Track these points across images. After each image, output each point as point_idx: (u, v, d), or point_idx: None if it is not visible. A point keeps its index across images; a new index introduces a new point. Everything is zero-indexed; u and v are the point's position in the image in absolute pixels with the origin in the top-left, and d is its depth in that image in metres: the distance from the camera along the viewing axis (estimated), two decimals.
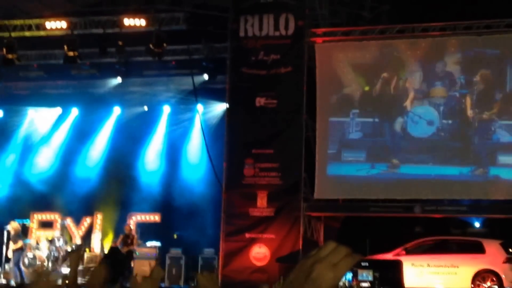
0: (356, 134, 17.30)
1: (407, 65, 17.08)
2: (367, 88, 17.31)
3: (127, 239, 17.91)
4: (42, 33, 19.38)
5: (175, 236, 18.59)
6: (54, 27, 19.10)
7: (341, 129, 17.41)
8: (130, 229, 18.21)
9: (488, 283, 15.72)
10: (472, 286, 15.64)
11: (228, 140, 17.58)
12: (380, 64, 17.26)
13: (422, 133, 16.68)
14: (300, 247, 16.62)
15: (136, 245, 17.93)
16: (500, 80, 16.49)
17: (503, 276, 15.59)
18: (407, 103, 16.94)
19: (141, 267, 17.72)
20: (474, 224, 18.99)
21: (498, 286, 15.62)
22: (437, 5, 17.33)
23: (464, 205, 16.51)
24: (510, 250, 15.97)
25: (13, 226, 18.16)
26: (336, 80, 17.58)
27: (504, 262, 15.71)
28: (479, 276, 15.76)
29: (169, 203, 19.27)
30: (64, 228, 19.62)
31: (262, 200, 17.13)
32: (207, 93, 19.14)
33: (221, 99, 18.68)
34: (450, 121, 16.60)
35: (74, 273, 4.81)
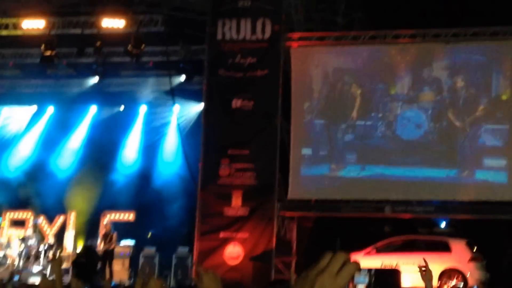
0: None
1: (395, 71, 17.60)
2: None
3: (106, 238, 17.99)
4: (19, 32, 19.44)
5: (149, 235, 18.72)
6: (31, 27, 19.17)
7: (316, 132, 17.87)
8: (110, 228, 18.28)
9: (454, 281, 16.25)
10: (439, 284, 16.15)
11: (204, 141, 17.87)
12: (359, 69, 17.83)
13: (411, 136, 17.17)
14: (274, 247, 16.95)
15: (114, 243, 17.98)
16: (486, 86, 17.11)
17: (468, 275, 16.14)
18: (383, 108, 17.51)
19: (115, 266, 17.87)
20: (440, 224, 19.61)
21: (463, 284, 16.17)
22: (407, 13, 17.99)
23: (432, 205, 17.10)
24: (475, 249, 16.57)
25: None
26: (310, 84, 18.08)
27: (469, 261, 16.29)
28: (446, 275, 16.28)
29: (144, 202, 19.43)
30: (36, 227, 19.59)
31: (237, 200, 17.44)
32: (184, 94, 19.43)
33: (197, 100, 19.00)
34: (437, 125, 17.13)
35: (59, 280, 4.97)
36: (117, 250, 18.19)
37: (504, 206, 16.37)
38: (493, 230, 17.67)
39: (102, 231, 18.68)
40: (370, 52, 17.94)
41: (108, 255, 17.79)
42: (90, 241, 19.14)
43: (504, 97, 17.04)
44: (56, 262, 5.26)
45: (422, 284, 16.52)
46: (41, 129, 21.18)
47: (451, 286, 16.23)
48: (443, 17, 17.64)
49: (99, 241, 18.43)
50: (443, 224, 19.47)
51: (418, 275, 16.38)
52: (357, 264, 2.16)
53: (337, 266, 2.14)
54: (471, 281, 16.06)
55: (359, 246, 16.90)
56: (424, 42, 17.49)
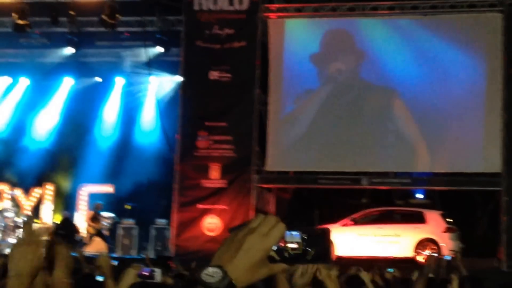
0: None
1: None
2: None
3: (98, 216, 17.99)
4: None
5: (128, 207, 18.74)
6: None
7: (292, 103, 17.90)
8: (101, 207, 18.27)
9: (428, 251, 16.60)
10: (415, 254, 16.50)
11: (182, 113, 17.81)
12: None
13: None
14: (252, 218, 17.09)
15: (101, 222, 18.02)
16: None
17: (442, 245, 16.50)
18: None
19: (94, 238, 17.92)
20: (416, 195, 19.93)
21: (437, 254, 16.53)
22: None
23: (409, 177, 17.36)
24: (449, 220, 16.91)
25: None
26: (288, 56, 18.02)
27: (443, 232, 16.62)
28: (420, 245, 16.62)
29: (122, 174, 19.37)
30: (14, 199, 19.47)
31: (215, 172, 17.51)
32: (161, 65, 19.22)
33: (174, 71, 18.83)
34: None
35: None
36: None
37: (478, 177, 16.68)
38: (467, 201, 18.02)
39: (81, 204, 18.58)
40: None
41: (100, 235, 17.85)
42: (68, 213, 19.08)
43: None
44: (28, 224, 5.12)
45: (398, 254, 16.76)
46: (16, 100, 20.84)
47: (426, 255, 16.57)
48: None
49: (88, 217, 18.38)
50: (419, 196, 19.77)
51: (394, 245, 16.67)
52: (285, 226, 2.14)
53: (267, 228, 2.11)
54: (445, 251, 16.41)
55: (337, 217, 17.13)
56: (403, 14, 17.48)
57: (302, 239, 2.22)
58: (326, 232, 2.30)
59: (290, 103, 18.01)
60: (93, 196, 19.35)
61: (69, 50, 19.55)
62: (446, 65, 17.21)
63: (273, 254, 2.15)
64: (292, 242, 2.22)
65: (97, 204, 18.69)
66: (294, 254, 2.22)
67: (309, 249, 2.23)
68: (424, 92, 17.21)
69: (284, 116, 17.94)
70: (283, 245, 2.14)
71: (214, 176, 17.47)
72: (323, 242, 2.25)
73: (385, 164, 17.22)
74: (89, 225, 18.18)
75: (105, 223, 18.42)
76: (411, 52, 17.47)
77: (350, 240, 16.41)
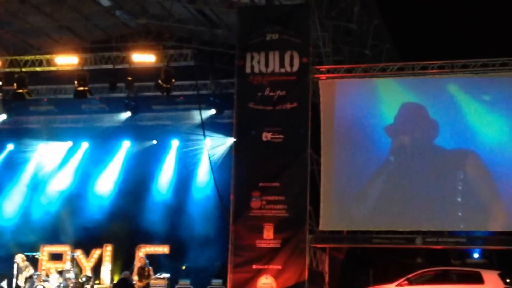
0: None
1: None
2: None
3: (143, 272, 18.27)
4: (52, 68, 19.91)
5: (183, 268, 19.02)
6: (64, 63, 19.63)
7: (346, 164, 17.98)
8: (145, 262, 18.57)
9: None
10: None
11: (236, 173, 18.04)
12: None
13: None
14: (306, 278, 17.12)
15: (152, 277, 18.29)
16: None
17: None
18: None
19: None
20: (473, 255, 19.57)
21: None
22: (435, 44, 18.07)
23: (464, 237, 17.12)
24: (508, 280, 16.52)
25: (20, 257, 18.48)
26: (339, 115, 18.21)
27: None
28: None
29: (177, 235, 19.73)
30: (74, 260, 19.98)
31: (268, 232, 17.62)
32: (215, 127, 19.70)
33: (228, 133, 19.24)
34: None
35: None
36: (153, 282, 18.52)
37: None
38: None
39: (137, 264, 18.99)
40: None
41: None
42: (128, 273, 19.44)
43: None
44: None
45: None
46: (76, 164, 21.63)
47: None
48: (471, 47, 17.65)
49: (134, 273, 18.73)
50: (476, 255, 19.43)
51: None
52: None
53: None
54: None
55: (391, 277, 16.97)
56: (453, 73, 17.52)
57: None
58: None
59: (343, 163, 18.05)
60: (150, 257, 19.71)
61: (126, 114, 20.24)
62: None
63: None
64: None
65: (141, 258, 18.91)
66: None
67: None
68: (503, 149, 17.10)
69: (338, 177, 17.98)
70: None
71: (268, 236, 17.58)
72: None
73: (453, 224, 16.99)
74: (136, 283, 18.42)
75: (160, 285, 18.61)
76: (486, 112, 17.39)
77: None
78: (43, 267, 20.29)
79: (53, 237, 20.77)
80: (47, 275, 19.19)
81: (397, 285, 16.72)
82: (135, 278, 18.49)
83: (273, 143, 17.94)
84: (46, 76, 20.63)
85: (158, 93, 19.40)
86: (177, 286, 18.45)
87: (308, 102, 17.97)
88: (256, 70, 18.25)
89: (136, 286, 18.29)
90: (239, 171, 18.07)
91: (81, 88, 19.35)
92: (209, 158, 19.32)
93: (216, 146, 20.21)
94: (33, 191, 21.88)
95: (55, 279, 18.82)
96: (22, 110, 21.18)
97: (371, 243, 17.47)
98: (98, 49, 20.03)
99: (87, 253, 20.42)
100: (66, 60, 19.58)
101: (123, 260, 20.57)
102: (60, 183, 21.68)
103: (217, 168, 19.40)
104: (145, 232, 20.22)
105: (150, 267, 18.33)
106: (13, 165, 22.06)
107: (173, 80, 18.98)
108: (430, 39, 18.54)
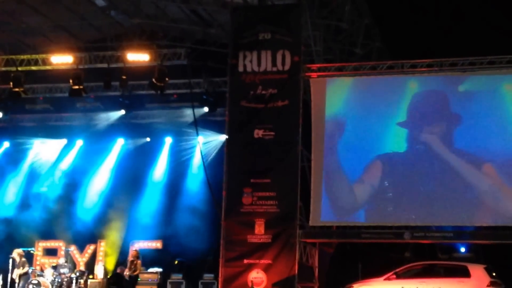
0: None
1: None
2: None
3: (132, 265, 18.52)
4: (48, 67, 20.19)
5: (176, 262, 19.27)
6: (60, 62, 19.90)
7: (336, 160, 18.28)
8: (137, 254, 18.80)
9: None
10: None
11: (228, 170, 18.32)
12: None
13: None
14: (296, 273, 17.37)
15: (139, 270, 18.52)
16: None
17: None
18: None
19: None
20: (460, 249, 19.82)
21: None
22: (424, 43, 18.38)
23: (451, 231, 17.39)
24: (494, 274, 16.77)
25: (17, 252, 18.72)
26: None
27: (488, 286, 16.47)
28: None
29: (170, 230, 19.98)
30: (68, 255, 20.21)
31: (259, 227, 17.88)
32: (207, 125, 19.98)
33: (220, 130, 19.52)
34: None
35: None
36: (145, 276, 18.74)
37: None
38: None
39: (130, 258, 19.23)
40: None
41: (133, 280, 18.33)
42: (119, 268, 19.70)
43: None
44: None
45: None
46: (71, 161, 21.90)
47: None
48: (459, 46, 17.95)
49: (127, 268, 18.97)
50: (462, 249, 19.69)
51: None
52: None
53: None
54: None
55: (380, 271, 17.23)
56: (441, 71, 17.82)
57: None
58: None
59: (333, 160, 18.35)
60: (143, 252, 19.95)
61: (120, 113, 20.51)
62: None
63: None
64: None
65: (133, 251, 19.12)
66: None
67: None
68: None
69: (327, 173, 18.27)
70: None
71: (259, 232, 17.84)
72: None
73: (440, 218, 17.26)
74: (125, 273, 18.62)
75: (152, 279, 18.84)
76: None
77: None
78: (37, 262, 20.51)
79: (48, 233, 21.00)
80: (42, 270, 19.41)
81: (385, 279, 16.99)
82: (126, 270, 18.75)
83: (264, 140, 18.21)
84: (42, 75, 20.90)
85: (152, 92, 19.67)
86: (169, 280, 18.68)
87: (299, 100, 18.26)
88: (249, 68, 18.53)
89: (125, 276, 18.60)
90: (231, 168, 18.34)
91: (76, 87, 19.62)
92: (202, 155, 19.59)
93: (208, 143, 20.50)
94: (28, 188, 22.14)
95: (49, 274, 19.04)
96: (18, 109, 21.47)
97: (360, 238, 17.72)
98: (93, 48, 20.31)
99: (81, 248, 20.66)
100: (62, 59, 19.83)
101: (116, 256, 20.81)
102: (55, 180, 21.95)
103: (210, 164, 19.66)
104: (138, 227, 20.47)
105: (139, 261, 18.57)
106: (9, 163, 22.33)
107: (167, 79, 19.26)
108: (419, 38, 18.83)
